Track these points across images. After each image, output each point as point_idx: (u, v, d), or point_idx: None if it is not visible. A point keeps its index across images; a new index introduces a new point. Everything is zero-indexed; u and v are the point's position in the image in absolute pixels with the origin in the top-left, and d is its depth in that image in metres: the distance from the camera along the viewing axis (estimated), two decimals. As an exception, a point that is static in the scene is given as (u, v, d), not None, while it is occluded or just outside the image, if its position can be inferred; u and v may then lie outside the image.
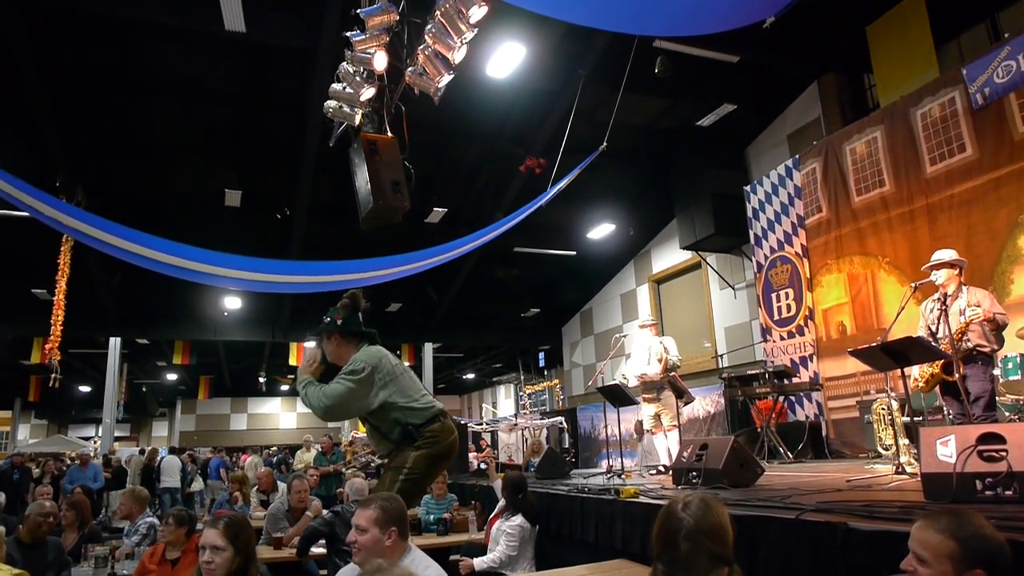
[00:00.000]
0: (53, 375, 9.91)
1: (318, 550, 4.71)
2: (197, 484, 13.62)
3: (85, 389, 26.49)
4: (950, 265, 4.91)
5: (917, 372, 4.90)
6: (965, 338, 4.64)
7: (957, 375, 4.52)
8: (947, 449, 2.86)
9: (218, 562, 2.29)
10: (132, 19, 7.06)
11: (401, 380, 3.42)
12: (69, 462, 14.58)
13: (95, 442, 25.29)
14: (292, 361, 19.57)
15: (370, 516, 2.45)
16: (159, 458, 13.96)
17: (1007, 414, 5.38)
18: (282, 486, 7.58)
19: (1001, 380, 5.32)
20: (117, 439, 22.98)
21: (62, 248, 9.70)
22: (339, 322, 3.49)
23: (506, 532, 4.75)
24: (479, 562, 4.73)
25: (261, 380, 26.62)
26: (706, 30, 6.10)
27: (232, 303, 14.49)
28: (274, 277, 9.00)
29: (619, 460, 6.51)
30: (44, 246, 9.77)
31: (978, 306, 4.66)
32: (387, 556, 2.46)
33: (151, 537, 5.07)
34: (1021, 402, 5.43)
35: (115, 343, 16.51)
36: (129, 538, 5.02)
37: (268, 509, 5.94)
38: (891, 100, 7.93)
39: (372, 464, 10.40)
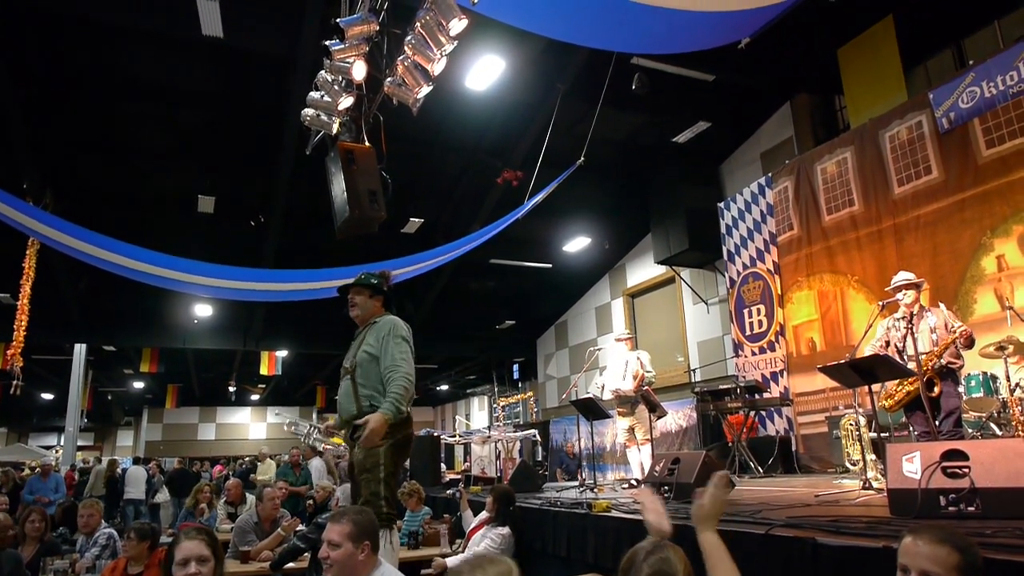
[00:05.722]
0: (15, 382, 9.64)
1: (295, 564, 4.62)
2: (162, 495, 13.28)
3: (48, 397, 25.80)
4: (916, 286, 5.05)
5: (891, 388, 4.99)
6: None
7: (936, 391, 4.66)
8: (912, 465, 2.92)
9: (205, 572, 2.25)
10: (106, 21, 6.95)
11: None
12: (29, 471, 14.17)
13: (57, 451, 24.63)
14: (263, 370, 19.33)
15: (343, 530, 2.41)
16: (119, 469, 13.61)
17: (970, 431, 5.49)
18: (250, 498, 7.44)
19: (964, 397, 5.44)
20: (80, 448, 22.45)
21: (27, 251, 9.47)
22: (386, 288, 3.93)
23: (490, 538, 4.74)
24: (452, 562, 4.71)
25: (231, 389, 26.18)
26: (683, 49, 6.20)
27: (203, 311, 14.24)
28: (247, 284, 8.91)
29: (591, 473, 6.52)
30: (8, 248, 9.52)
31: (950, 325, 4.82)
32: (359, 571, 2.43)
33: (111, 548, 4.95)
34: (983, 419, 5.56)
35: (80, 350, 16.15)
36: (88, 551, 4.89)
37: (236, 522, 5.82)
38: (861, 122, 8.13)
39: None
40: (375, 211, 6.06)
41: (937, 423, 4.71)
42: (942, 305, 5.05)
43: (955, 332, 4.73)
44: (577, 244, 12.82)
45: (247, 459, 21.78)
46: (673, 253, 10.72)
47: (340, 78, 5.81)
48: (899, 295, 5.04)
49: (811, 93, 9.53)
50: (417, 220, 11.63)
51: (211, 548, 2.32)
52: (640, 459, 6.95)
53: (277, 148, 8.88)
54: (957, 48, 7.95)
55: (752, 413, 7.89)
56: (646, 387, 6.79)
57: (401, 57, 5.63)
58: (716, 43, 5.57)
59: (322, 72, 5.84)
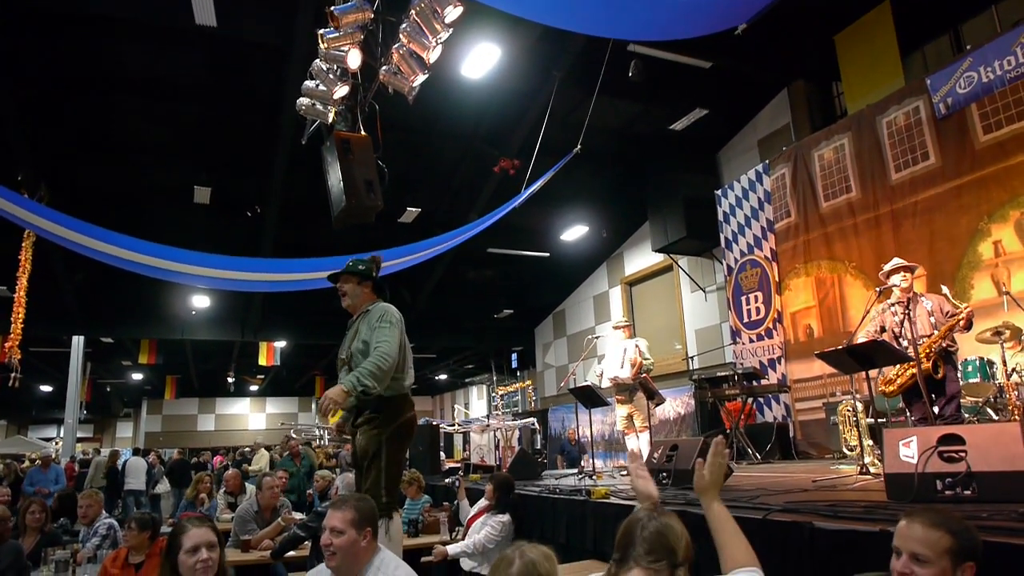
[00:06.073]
0: (13, 374, 9.63)
1: (295, 552, 4.65)
2: (162, 486, 13.33)
3: (47, 389, 25.81)
4: (910, 269, 5.06)
5: (891, 373, 5.00)
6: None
7: (940, 374, 4.68)
8: (909, 450, 2.93)
9: (214, 558, 2.28)
10: (99, 13, 6.90)
11: (405, 345, 3.69)
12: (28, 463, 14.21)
13: (57, 443, 24.67)
14: (262, 360, 19.33)
15: (345, 517, 2.41)
16: (121, 460, 13.65)
17: (967, 416, 5.52)
18: (250, 488, 7.47)
19: (962, 382, 5.47)
20: (79, 440, 22.47)
21: (24, 244, 9.44)
22: (375, 273, 3.85)
23: (491, 525, 4.77)
24: (453, 549, 4.74)
25: (230, 380, 26.20)
26: (679, 35, 6.16)
27: (200, 302, 14.23)
28: (244, 275, 8.88)
29: (592, 461, 6.55)
30: (4, 241, 9.50)
31: (944, 309, 4.83)
32: (361, 557, 2.44)
33: (111, 538, 4.97)
34: (980, 404, 5.59)
35: (78, 342, 16.14)
36: (88, 541, 4.91)
37: (236, 511, 5.84)
38: (858, 108, 8.10)
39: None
40: (372, 201, 6.04)
41: (939, 408, 4.73)
42: (944, 288, 5.05)
43: (959, 312, 4.72)
44: (575, 233, 12.81)
45: (247, 449, 21.85)
46: (671, 241, 10.72)
47: (335, 67, 5.78)
48: (894, 278, 5.04)
49: (808, 79, 9.49)
50: (414, 210, 11.61)
51: (216, 535, 2.34)
52: (639, 446, 6.98)
53: (273, 138, 8.84)
54: (954, 33, 7.91)
55: (750, 400, 7.92)
56: (644, 374, 6.81)
57: (396, 45, 5.60)
58: (713, 29, 5.53)
59: (317, 61, 5.81)
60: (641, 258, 13.04)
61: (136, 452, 14.90)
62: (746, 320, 9.40)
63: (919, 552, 1.64)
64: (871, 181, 7.73)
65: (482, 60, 7.75)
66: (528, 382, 18.34)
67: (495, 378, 21.85)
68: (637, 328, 12.66)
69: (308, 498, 8.24)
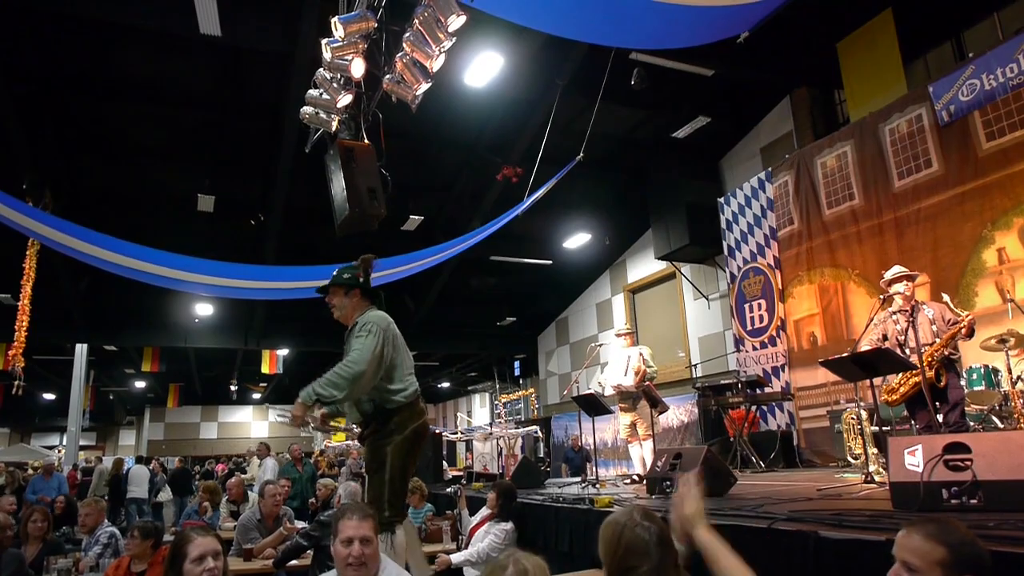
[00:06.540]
0: (16, 382, 9.64)
1: (297, 561, 4.64)
2: (165, 494, 13.31)
3: (50, 397, 25.84)
4: (911, 277, 5.05)
5: (893, 382, 4.98)
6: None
7: (943, 383, 4.66)
8: (914, 458, 2.91)
9: (219, 567, 2.28)
10: (104, 20, 6.94)
11: (398, 355, 3.51)
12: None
13: (59, 451, 24.66)
14: (264, 368, 19.33)
15: (373, 526, 2.40)
16: (125, 468, 13.64)
17: (972, 424, 5.49)
18: (252, 496, 7.45)
19: (966, 390, 5.44)
20: (82, 448, 22.47)
21: (28, 252, 9.47)
22: (361, 279, 3.59)
23: (494, 533, 4.75)
24: (456, 557, 4.73)
25: (232, 388, 26.20)
26: (682, 44, 6.19)
27: (203, 309, 14.24)
28: (247, 283, 8.90)
29: (594, 469, 6.52)
30: (9, 249, 9.53)
31: (946, 317, 4.81)
32: (377, 565, 2.44)
33: (112, 547, 4.96)
34: (985, 412, 5.56)
35: (82, 350, 16.15)
36: (90, 549, 4.90)
37: (239, 519, 5.83)
38: (861, 115, 8.11)
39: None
40: (375, 208, 6.06)
41: (942, 416, 4.71)
42: (945, 296, 5.03)
43: (961, 320, 4.71)
44: (577, 240, 12.81)
45: (242, 458, 21.81)
46: (673, 248, 10.72)
47: (339, 76, 5.81)
48: (896, 286, 5.03)
49: (811, 87, 9.51)
50: (417, 217, 11.62)
51: (220, 543, 2.34)
52: (642, 454, 6.95)
53: (276, 146, 8.87)
54: (956, 41, 7.93)
55: (753, 408, 7.88)
56: (647, 382, 6.79)
57: (400, 54, 5.62)
58: (715, 37, 5.55)
59: (321, 70, 5.83)
60: (644, 265, 13.04)
61: (139, 460, 14.89)
62: (749, 328, 9.38)
63: (910, 561, 1.63)
64: (874, 188, 7.73)
65: (485, 69, 7.77)
66: (531, 390, 18.28)
67: (498, 386, 21.79)
68: (640, 336, 12.63)
69: (311, 506, 8.21)
